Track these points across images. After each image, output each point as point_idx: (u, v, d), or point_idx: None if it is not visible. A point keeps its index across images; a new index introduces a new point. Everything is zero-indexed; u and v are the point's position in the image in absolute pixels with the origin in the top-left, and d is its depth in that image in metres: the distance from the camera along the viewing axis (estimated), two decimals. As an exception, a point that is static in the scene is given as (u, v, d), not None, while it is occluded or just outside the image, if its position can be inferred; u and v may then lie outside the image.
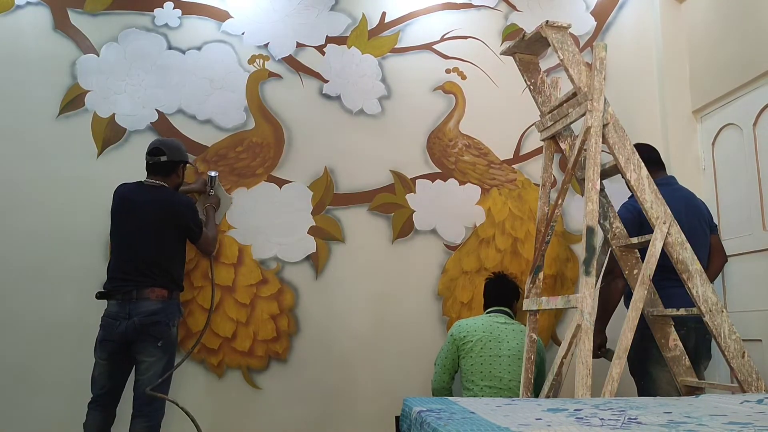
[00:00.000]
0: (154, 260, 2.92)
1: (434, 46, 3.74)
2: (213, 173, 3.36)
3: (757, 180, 3.16)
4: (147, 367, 2.86)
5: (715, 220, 3.48)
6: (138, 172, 3.18)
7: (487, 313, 3.18)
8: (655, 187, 2.61)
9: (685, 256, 2.56)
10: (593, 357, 2.70)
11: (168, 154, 3.05)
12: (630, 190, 2.63)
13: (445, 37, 3.75)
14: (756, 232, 3.17)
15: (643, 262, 2.61)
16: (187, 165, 3.20)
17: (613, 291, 2.95)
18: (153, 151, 3.06)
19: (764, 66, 3.10)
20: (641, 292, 2.50)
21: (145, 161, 3.08)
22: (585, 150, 2.62)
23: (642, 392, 2.88)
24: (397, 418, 2.29)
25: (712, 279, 2.93)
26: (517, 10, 3.83)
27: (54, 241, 3.30)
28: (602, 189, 2.82)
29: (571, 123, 2.81)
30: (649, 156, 2.97)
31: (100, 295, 2.93)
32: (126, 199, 3.02)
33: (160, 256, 2.94)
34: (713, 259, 3.04)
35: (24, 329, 3.23)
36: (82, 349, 3.05)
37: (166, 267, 2.95)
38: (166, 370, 2.92)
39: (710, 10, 3.53)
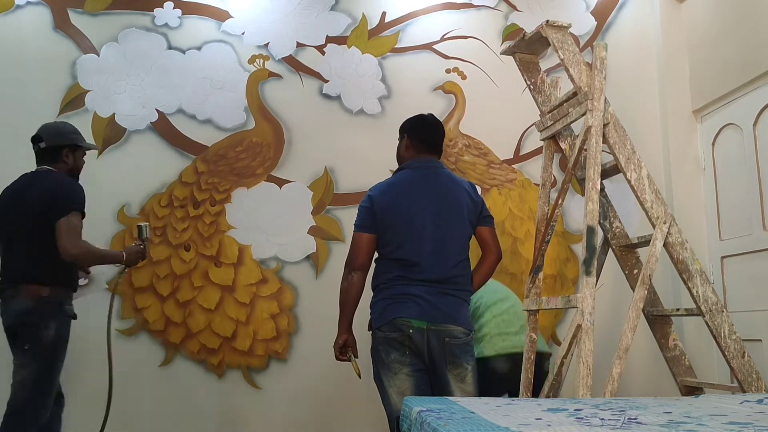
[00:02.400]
0: (31, 251, 2.55)
1: (434, 46, 3.74)
2: (143, 224, 2.91)
3: (757, 180, 3.16)
4: (16, 370, 2.52)
5: (715, 220, 3.48)
6: (138, 172, 3.19)
7: None
8: (656, 186, 2.61)
9: (685, 255, 2.56)
10: (338, 359, 2.58)
11: (46, 139, 2.72)
12: (631, 189, 2.63)
13: (445, 37, 3.75)
14: (756, 232, 3.17)
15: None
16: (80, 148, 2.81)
17: (351, 285, 2.56)
18: (33, 139, 2.75)
19: (764, 66, 3.10)
20: (641, 291, 2.50)
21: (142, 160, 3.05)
22: (585, 150, 2.62)
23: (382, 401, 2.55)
24: (397, 418, 2.28)
25: (481, 280, 2.62)
26: (517, 10, 3.83)
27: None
28: (602, 189, 2.81)
29: (572, 122, 2.81)
30: (424, 131, 2.64)
31: None
32: (8, 191, 2.74)
33: (38, 246, 2.54)
34: (483, 255, 2.63)
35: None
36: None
37: (46, 259, 2.53)
38: (40, 379, 2.50)
39: (710, 10, 3.53)
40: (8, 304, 2.56)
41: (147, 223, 2.93)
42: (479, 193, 2.87)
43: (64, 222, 2.52)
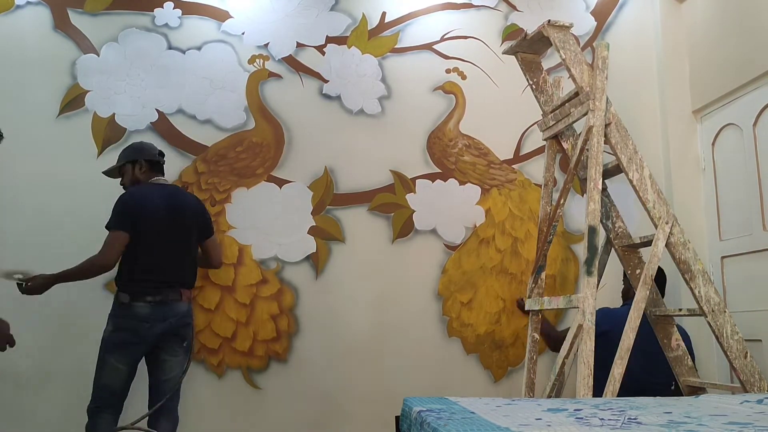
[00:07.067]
0: (189, 260, 2.93)
1: (434, 46, 3.74)
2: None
3: (757, 180, 3.15)
4: (171, 366, 2.86)
5: (715, 221, 3.48)
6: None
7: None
8: (658, 186, 2.61)
9: (688, 256, 2.56)
10: None
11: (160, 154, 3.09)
12: (633, 189, 2.63)
13: (445, 37, 3.75)
14: (756, 232, 3.17)
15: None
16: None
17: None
18: (160, 153, 3.07)
19: (764, 66, 3.09)
20: (643, 292, 2.50)
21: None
22: (587, 149, 2.62)
23: None
24: (397, 418, 2.28)
25: None
26: (517, 10, 3.83)
27: (54, 240, 3.29)
28: (605, 188, 2.81)
29: (573, 122, 2.81)
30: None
31: (130, 297, 2.77)
32: (153, 199, 2.88)
33: (191, 258, 2.95)
34: None
35: (25, 329, 3.22)
36: (83, 348, 3.04)
37: (194, 267, 2.98)
38: (184, 369, 2.90)
39: (710, 10, 3.53)
40: (171, 307, 2.82)
41: None
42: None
43: (214, 240, 3.11)
